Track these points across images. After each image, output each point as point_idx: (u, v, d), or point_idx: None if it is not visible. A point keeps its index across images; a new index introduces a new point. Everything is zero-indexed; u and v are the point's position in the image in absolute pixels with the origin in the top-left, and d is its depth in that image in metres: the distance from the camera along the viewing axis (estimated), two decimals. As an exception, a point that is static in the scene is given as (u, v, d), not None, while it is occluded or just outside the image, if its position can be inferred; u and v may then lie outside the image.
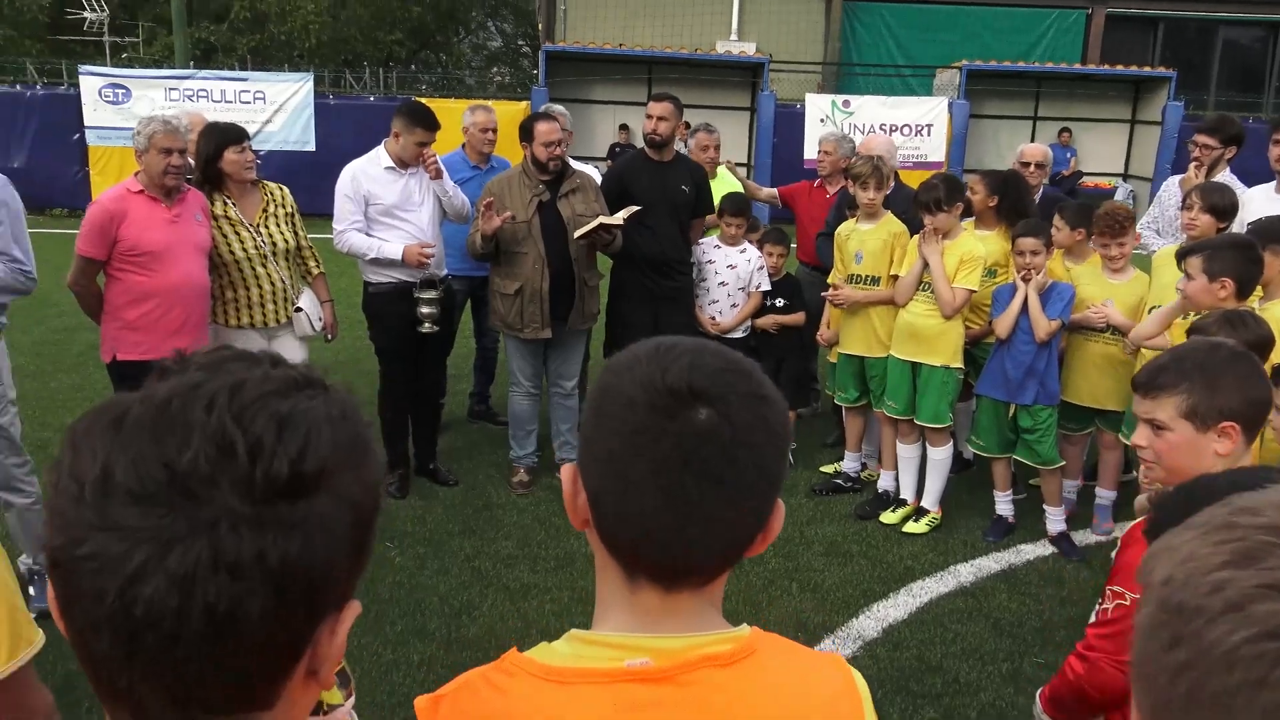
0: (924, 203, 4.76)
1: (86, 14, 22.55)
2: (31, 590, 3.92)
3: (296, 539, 0.67)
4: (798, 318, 5.72)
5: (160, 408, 0.68)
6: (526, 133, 4.99)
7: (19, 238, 3.55)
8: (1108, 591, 1.86)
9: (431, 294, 4.92)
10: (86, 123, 15.05)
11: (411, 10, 29.03)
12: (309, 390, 0.73)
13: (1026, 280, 4.63)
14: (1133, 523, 3.12)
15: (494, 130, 5.81)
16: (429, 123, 4.86)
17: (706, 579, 0.99)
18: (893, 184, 5.25)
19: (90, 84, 15.01)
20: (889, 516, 5.11)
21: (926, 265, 4.76)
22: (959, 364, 4.86)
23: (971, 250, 4.72)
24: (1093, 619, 1.91)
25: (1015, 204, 5.04)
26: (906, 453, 5.14)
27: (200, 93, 15.17)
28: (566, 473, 1.01)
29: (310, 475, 0.68)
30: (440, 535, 4.80)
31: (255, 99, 15.35)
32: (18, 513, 3.83)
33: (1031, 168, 5.59)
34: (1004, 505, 5.03)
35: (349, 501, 0.71)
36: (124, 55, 24.85)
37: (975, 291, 4.75)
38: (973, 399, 5.21)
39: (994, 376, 4.79)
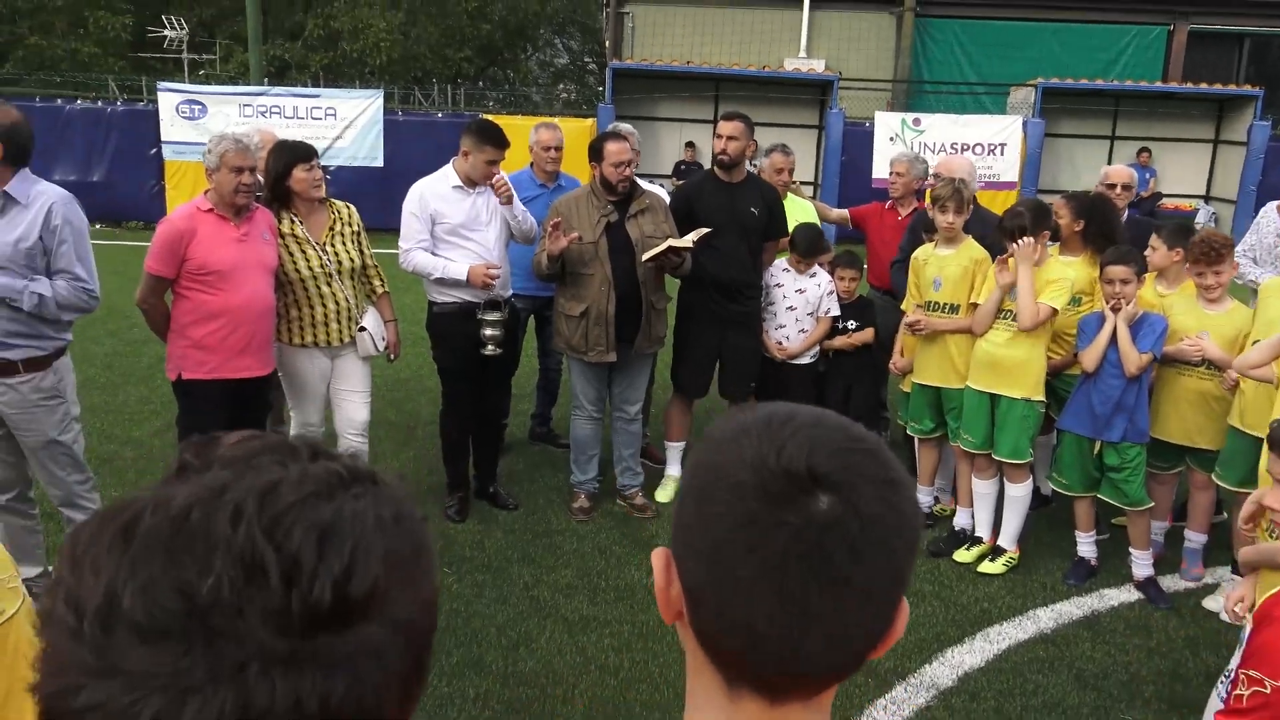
0: (1009, 230, 4.57)
1: (166, 32, 23.18)
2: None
3: (341, 679, 0.55)
4: (867, 334, 5.56)
5: (177, 519, 0.56)
6: (596, 152, 4.90)
7: (82, 256, 3.54)
8: (1241, 676, 1.66)
9: (495, 316, 4.85)
10: (164, 138, 15.39)
11: (481, 28, 29.39)
12: (355, 488, 0.61)
13: (1116, 310, 4.41)
14: (1241, 582, 2.90)
15: (558, 148, 5.73)
16: (498, 140, 4.79)
17: (819, 688, 0.85)
18: (972, 207, 5.06)
19: (168, 100, 15.35)
20: (963, 555, 4.90)
21: (1008, 292, 4.56)
22: (1040, 396, 4.64)
23: (1059, 272, 4.54)
24: (1219, 703, 1.72)
25: (1103, 228, 4.81)
26: (983, 488, 4.92)
27: (273, 109, 15.43)
28: (658, 559, 0.88)
29: (358, 600, 0.56)
30: (499, 561, 4.70)
31: (326, 115, 15.57)
32: None
33: (1118, 190, 5.34)
34: (1086, 546, 4.78)
35: (404, 625, 0.59)
36: (201, 72, 25.48)
37: (1057, 311, 4.53)
38: (1054, 433, 4.99)
39: (1079, 411, 4.57)
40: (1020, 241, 4.51)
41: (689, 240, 4.80)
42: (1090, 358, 4.46)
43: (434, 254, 4.84)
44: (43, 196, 3.46)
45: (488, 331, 4.84)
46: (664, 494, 5.50)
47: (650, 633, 4.11)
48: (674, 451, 5.64)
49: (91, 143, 15.58)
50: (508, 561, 4.71)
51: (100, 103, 16.26)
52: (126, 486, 5.33)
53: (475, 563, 4.67)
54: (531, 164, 5.79)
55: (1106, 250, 4.59)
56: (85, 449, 5.76)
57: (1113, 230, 4.84)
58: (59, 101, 16.08)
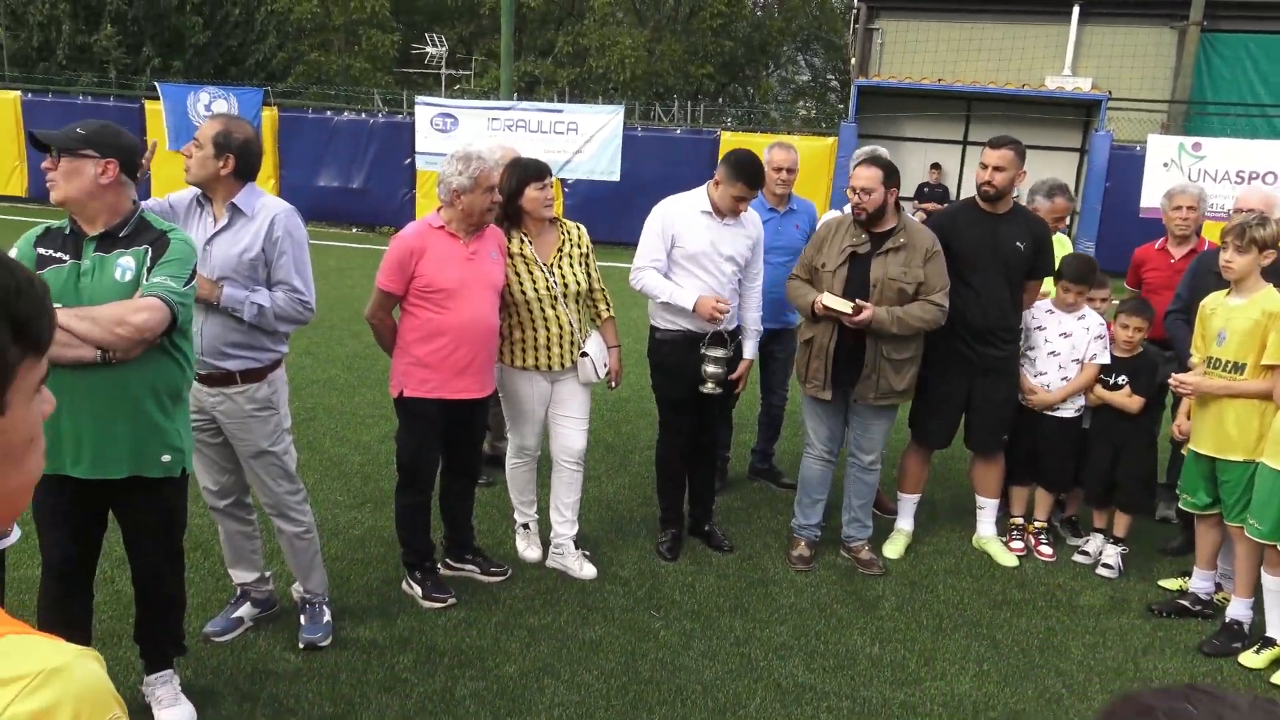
0: None
1: (429, 49, 24.58)
2: (302, 619, 3.91)
3: None
4: (1133, 402, 4.84)
5: None
6: None
7: (300, 269, 3.55)
8: None
9: (720, 352, 4.55)
10: (418, 149, 16.24)
11: (724, 45, 29.44)
12: None
13: None
14: None
15: (791, 170, 5.34)
16: (752, 178, 4.48)
17: None
18: (1272, 252, 4.26)
19: (424, 113, 16.19)
20: (1252, 659, 4.14)
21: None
22: (1364, 483, 3.85)
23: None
24: None
25: None
26: (1275, 584, 4.14)
27: (519, 123, 15.94)
28: None
29: None
30: (709, 610, 4.39)
31: (569, 129, 15.92)
32: (288, 539, 3.83)
33: None
34: None
35: None
36: (457, 87, 26.86)
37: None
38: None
39: None
40: None
41: (840, 307, 4.36)
42: None
43: (667, 277, 4.61)
44: (266, 209, 3.48)
45: (709, 369, 4.55)
46: (893, 549, 5.01)
47: (872, 710, 3.68)
48: (907, 504, 5.15)
49: (354, 152, 16.68)
50: (719, 610, 4.39)
51: (364, 114, 17.35)
52: (351, 492, 5.41)
53: (684, 608, 4.38)
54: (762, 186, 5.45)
55: None
56: (318, 448, 6.00)
57: None
58: (328, 113, 17.29)
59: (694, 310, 4.49)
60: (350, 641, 3.90)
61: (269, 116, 16.66)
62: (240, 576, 3.91)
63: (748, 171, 4.47)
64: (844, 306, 4.36)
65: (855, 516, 4.89)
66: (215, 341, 3.46)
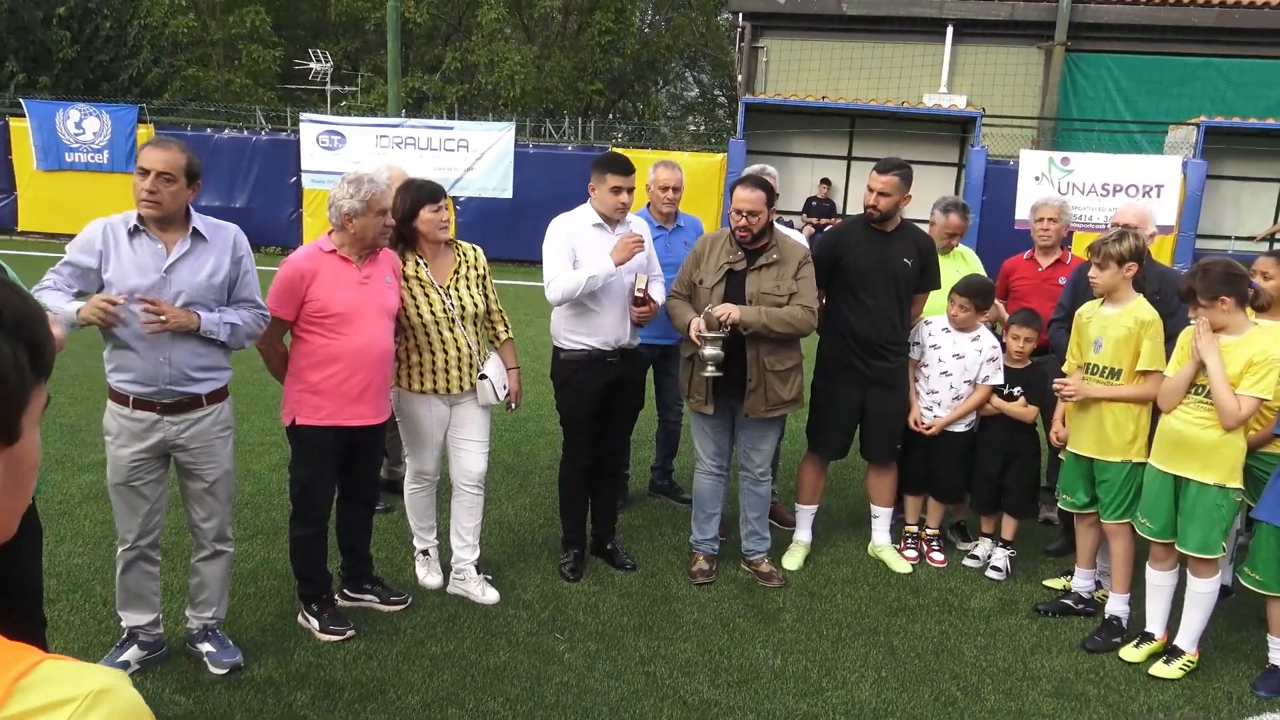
0: (1184, 291, 4.05)
1: (313, 65, 24.04)
2: (208, 646, 3.81)
3: None
4: (1028, 412, 5.04)
5: None
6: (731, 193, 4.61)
7: (256, 283, 3.64)
8: None
9: (715, 334, 4.42)
10: (304, 167, 15.86)
11: (613, 61, 29.63)
12: None
13: (1328, 388, 3.83)
14: None
15: (677, 189, 5.36)
16: (618, 166, 4.56)
17: None
18: (1133, 264, 4.46)
19: (309, 130, 15.82)
20: (1131, 653, 4.34)
21: (1202, 366, 4.01)
22: (1237, 484, 4.06)
23: (1265, 351, 3.92)
24: None
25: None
26: (1159, 579, 4.35)
27: (408, 140, 15.72)
28: None
29: None
30: (614, 630, 4.38)
31: (459, 147, 15.78)
32: (222, 564, 3.82)
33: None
34: (1281, 654, 4.17)
35: None
36: (343, 104, 26.34)
37: (1266, 400, 3.96)
38: (1238, 516, 4.39)
39: (1280, 500, 3.99)
40: (1197, 329, 3.99)
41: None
42: (1296, 441, 3.89)
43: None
44: (220, 229, 3.54)
45: (709, 351, 4.41)
46: (792, 561, 5.10)
47: (777, 724, 3.72)
48: (804, 515, 5.25)
49: (236, 170, 16.19)
50: (623, 630, 4.38)
51: (246, 132, 16.87)
52: (242, 524, 5.23)
53: (588, 629, 4.37)
54: (649, 204, 5.50)
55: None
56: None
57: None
58: (208, 130, 16.75)
59: (617, 264, 4.46)
60: (245, 680, 3.77)
61: (145, 135, 16.05)
62: (133, 619, 3.73)
63: (612, 162, 4.55)
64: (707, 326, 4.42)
65: (753, 529, 4.95)
66: (185, 368, 3.46)
